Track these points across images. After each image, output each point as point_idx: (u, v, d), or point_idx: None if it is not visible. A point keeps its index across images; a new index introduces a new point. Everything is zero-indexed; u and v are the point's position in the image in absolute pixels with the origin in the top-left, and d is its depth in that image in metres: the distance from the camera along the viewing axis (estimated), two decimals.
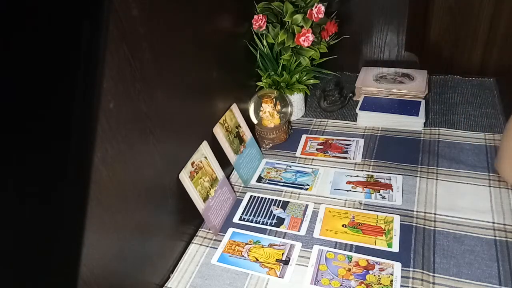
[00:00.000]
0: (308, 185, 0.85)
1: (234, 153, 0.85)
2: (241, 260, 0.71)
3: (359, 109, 1.01)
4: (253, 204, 0.82)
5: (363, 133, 0.98)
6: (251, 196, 0.84)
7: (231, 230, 0.77)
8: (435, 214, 0.74)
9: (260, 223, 0.78)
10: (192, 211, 0.72)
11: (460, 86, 1.10)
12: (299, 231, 0.75)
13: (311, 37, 0.89)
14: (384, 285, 0.63)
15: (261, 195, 0.84)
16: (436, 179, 0.81)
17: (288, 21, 0.91)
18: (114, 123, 0.52)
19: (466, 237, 0.69)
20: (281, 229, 0.76)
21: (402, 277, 0.64)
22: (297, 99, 1.03)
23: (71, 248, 0.48)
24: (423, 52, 1.54)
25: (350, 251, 0.70)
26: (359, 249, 0.70)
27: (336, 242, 0.72)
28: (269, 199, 0.83)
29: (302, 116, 1.07)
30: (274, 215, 0.79)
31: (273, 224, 0.77)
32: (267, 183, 0.87)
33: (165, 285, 0.68)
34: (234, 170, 0.90)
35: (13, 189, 0.39)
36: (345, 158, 0.91)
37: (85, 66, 0.46)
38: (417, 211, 0.75)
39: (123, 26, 0.51)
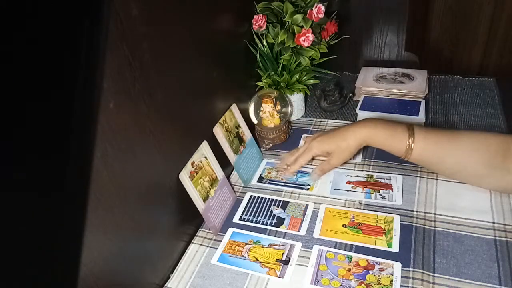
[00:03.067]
0: (309, 185, 0.85)
1: (234, 153, 0.85)
2: (241, 260, 0.71)
3: (359, 109, 1.01)
4: (253, 204, 0.82)
5: None
6: (251, 196, 0.84)
7: (231, 230, 0.77)
8: (435, 214, 0.74)
9: (260, 223, 0.78)
10: (192, 211, 0.72)
11: (460, 86, 1.10)
12: (299, 231, 0.75)
13: (311, 37, 0.89)
14: (384, 285, 0.63)
15: (261, 195, 0.84)
16: (436, 179, 0.81)
17: (288, 21, 0.91)
18: (114, 123, 0.52)
19: (466, 237, 0.69)
20: (281, 229, 0.76)
21: (402, 277, 0.64)
22: (297, 99, 1.03)
23: (71, 248, 0.48)
24: (423, 52, 1.54)
25: (350, 251, 0.70)
26: (359, 249, 0.70)
27: (336, 242, 0.72)
28: (269, 199, 0.83)
29: (302, 116, 1.07)
30: (274, 215, 0.79)
31: (273, 224, 0.77)
32: (268, 183, 0.87)
33: (165, 285, 0.68)
34: (234, 170, 0.90)
35: (12, 189, 0.39)
36: None
37: (85, 66, 0.46)
38: (417, 211, 0.75)
39: (123, 26, 0.51)
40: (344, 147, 0.77)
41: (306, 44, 0.90)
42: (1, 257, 0.39)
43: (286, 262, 0.69)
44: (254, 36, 0.95)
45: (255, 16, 0.91)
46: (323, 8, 0.89)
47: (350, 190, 0.82)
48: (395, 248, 0.69)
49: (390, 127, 0.73)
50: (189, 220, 0.76)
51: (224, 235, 0.76)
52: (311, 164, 0.90)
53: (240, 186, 0.87)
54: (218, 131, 0.82)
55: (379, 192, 0.81)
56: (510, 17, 1.44)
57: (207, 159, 0.77)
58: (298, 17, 0.89)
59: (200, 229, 0.78)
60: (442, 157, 0.71)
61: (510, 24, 1.45)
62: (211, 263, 0.71)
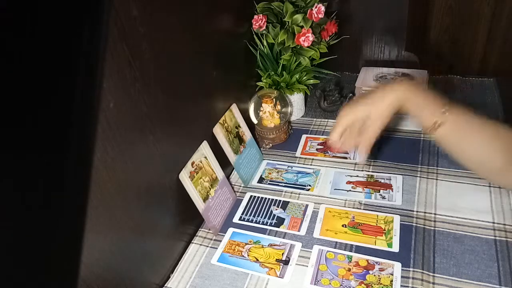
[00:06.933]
0: (310, 186, 0.85)
1: (234, 153, 0.85)
2: (241, 260, 0.71)
3: None
4: (253, 204, 0.82)
5: None
6: (251, 196, 0.84)
7: (231, 230, 0.77)
8: (435, 214, 0.74)
9: (260, 223, 0.78)
10: (192, 211, 0.72)
11: (460, 86, 1.10)
12: (299, 231, 0.75)
13: (311, 37, 0.89)
14: (384, 285, 0.63)
15: (261, 195, 0.84)
16: (436, 179, 0.81)
17: (288, 21, 0.91)
18: (114, 123, 0.52)
19: (466, 237, 0.69)
20: (281, 229, 0.76)
21: (402, 277, 0.64)
22: (297, 99, 1.03)
23: (71, 248, 0.48)
24: (423, 52, 1.54)
25: (350, 251, 0.70)
26: (359, 249, 0.70)
27: (336, 242, 0.72)
28: (269, 199, 0.83)
29: (302, 116, 1.07)
30: (274, 215, 0.79)
31: (273, 224, 0.77)
32: (269, 183, 0.87)
33: (165, 285, 0.68)
34: (234, 170, 0.90)
35: (13, 189, 0.39)
36: (345, 158, 0.91)
37: (85, 66, 0.46)
38: (417, 211, 0.75)
39: (123, 26, 0.51)
40: (383, 107, 0.68)
41: (306, 44, 0.90)
42: (2, 257, 0.39)
43: (286, 262, 0.69)
44: (254, 36, 0.95)
45: (255, 16, 0.91)
46: (323, 8, 0.89)
47: (350, 190, 0.82)
48: (395, 248, 0.69)
49: (429, 95, 0.67)
50: (189, 220, 0.76)
51: (224, 235, 0.76)
52: (311, 164, 0.90)
53: (240, 186, 0.87)
54: (218, 131, 0.82)
55: (379, 192, 0.81)
56: (510, 17, 1.44)
57: (207, 159, 0.77)
58: (298, 17, 0.89)
59: (200, 229, 0.78)
60: (467, 142, 0.66)
61: (510, 24, 1.45)
62: (211, 263, 0.71)
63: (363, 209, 0.77)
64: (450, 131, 0.65)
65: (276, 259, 0.70)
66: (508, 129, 0.65)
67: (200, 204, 0.73)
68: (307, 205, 0.80)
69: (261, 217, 0.79)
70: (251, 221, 0.78)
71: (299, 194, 0.83)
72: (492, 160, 0.65)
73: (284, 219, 0.78)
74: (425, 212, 0.75)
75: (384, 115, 0.69)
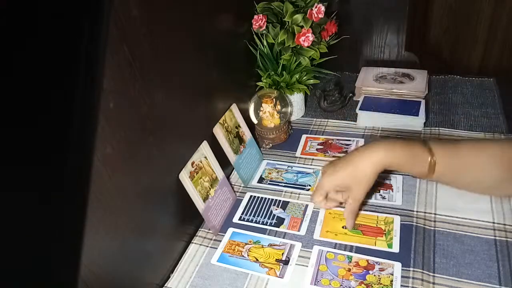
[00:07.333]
0: (310, 186, 0.85)
1: (234, 153, 0.85)
2: (241, 260, 0.71)
3: (359, 109, 1.00)
4: (253, 204, 0.82)
5: (363, 133, 0.98)
6: (251, 196, 0.84)
7: (231, 230, 0.77)
8: (435, 214, 0.74)
9: (260, 223, 0.78)
10: (192, 211, 0.72)
11: (460, 86, 1.10)
12: (299, 231, 0.75)
13: (311, 37, 0.89)
14: (384, 285, 0.63)
15: (261, 195, 0.84)
16: None
17: (288, 21, 0.91)
18: (114, 123, 0.52)
19: (466, 237, 0.69)
20: (281, 229, 0.76)
21: (402, 277, 0.64)
22: (297, 99, 1.03)
23: (71, 248, 0.48)
24: (423, 52, 1.55)
25: (350, 251, 0.70)
26: (359, 250, 0.70)
27: (336, 243, 0.72)
28: (269, 199, 0.83)
29: (302, 116, 1.07)
30: (274, 215, 0.79)
31: (273, 224, 0.77)
32: (269, 183, 0.87)
33: (165, 285, 0.68)
34: (234, 170, 0.90)
35: (12, 189, 0.39)
36: None
37: (85, 66, 0.46)
38: (417, 211, 0.75)
39: (123, 26, 0.51)
40: (361, 177, 0.66)
41: (306, 44, 0.90)
42: (1, 257, 0.39)
43: (286, 262, 0.69)
44: (254, 36, 0.95)
45: (255, 16, 0.91)
46: (323, 8, 0.89)
47: None
48: (395, 248, 0.69)
49: (408, 146, 0.66)
50: (189, 220, 0.76)
51: (224, 235, 0.76)
52: (311, 164, 0.90)
53: (240, 186, 0.87)
54: (218, 131, 0.82)
55: (379, 192, 0.80)
56: (510, 17, 1.44)
57: (207, 159, 0.77)
58: (298, 17, 0.89)
59: (200, 229, 0.78)
60: (462, 172, 0.66)
61: (510, 24, 1.45)
62: (211, 263, 0.71)
63: (363, 210, 0.77)
64: (444, 167, 0.65)
65: (276, 259, 0.70)
66: (493, 141, 0.65)
67: (200, 204, 0.73)
68: (307, 205, 0.80)
69: (261, 217, 0.79)
70: (251, 221, 0.78)
71: (299, 194, 0.83)
72: (488, 177, 0.65)
73: (284, 219, 0.78)
74: (425, 212, 0.75)
75: (367, 185, 0.67)
